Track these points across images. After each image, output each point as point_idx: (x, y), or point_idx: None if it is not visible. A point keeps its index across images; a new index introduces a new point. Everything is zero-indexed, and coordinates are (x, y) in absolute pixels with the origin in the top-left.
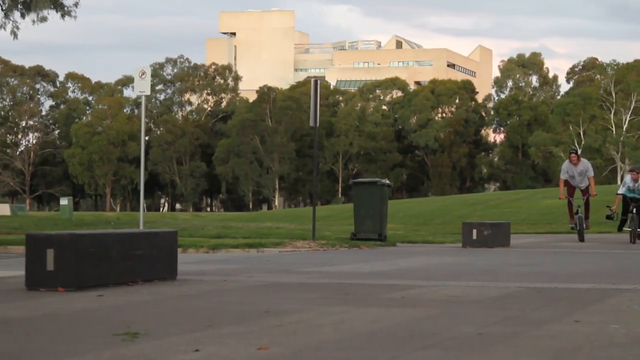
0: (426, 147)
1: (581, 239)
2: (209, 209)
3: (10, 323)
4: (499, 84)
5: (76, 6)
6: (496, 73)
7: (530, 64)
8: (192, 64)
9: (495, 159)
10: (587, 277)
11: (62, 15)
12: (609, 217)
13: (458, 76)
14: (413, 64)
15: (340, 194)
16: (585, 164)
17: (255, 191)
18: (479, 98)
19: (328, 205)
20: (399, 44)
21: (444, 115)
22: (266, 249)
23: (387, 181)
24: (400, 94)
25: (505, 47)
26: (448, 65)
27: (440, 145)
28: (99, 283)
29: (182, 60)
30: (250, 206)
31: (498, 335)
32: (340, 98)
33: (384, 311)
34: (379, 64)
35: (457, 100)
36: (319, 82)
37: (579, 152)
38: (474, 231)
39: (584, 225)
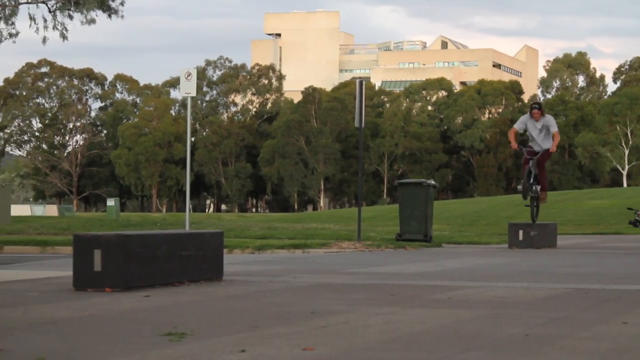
0: (472, 148)
1: (533, 219)
2: (254, 209)
3: (58, 323)
4: (545, 84)
5: (122, 4)
6: (542, 73)
7: (576, 63)
8: (237, 65)
9: None
10: (635, 278)
11: (109, 15)
12: (634, 224)
13: (503, 76)
14: (458, 64)
15: (385, 195)
16: (548, 118)
17: (301, 192)
18: (525, 98)
19: (373, 206)
20: (444, 44)
21: (489, 115)
22: (311, 249)
23: (433, 182)
24: (445, 94)
25: (552, 47)
26: (494, 66)
27: (486, 145)
28: (145, 283)
29: (227, 61)
30: (296, 207)
31: (545, 337)
32: (386, 99)
33: (430, 312)
34: (424, 64)
35: (503, 101)
36: (364, 82)
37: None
38: (520, 232)
39: (538, 199)
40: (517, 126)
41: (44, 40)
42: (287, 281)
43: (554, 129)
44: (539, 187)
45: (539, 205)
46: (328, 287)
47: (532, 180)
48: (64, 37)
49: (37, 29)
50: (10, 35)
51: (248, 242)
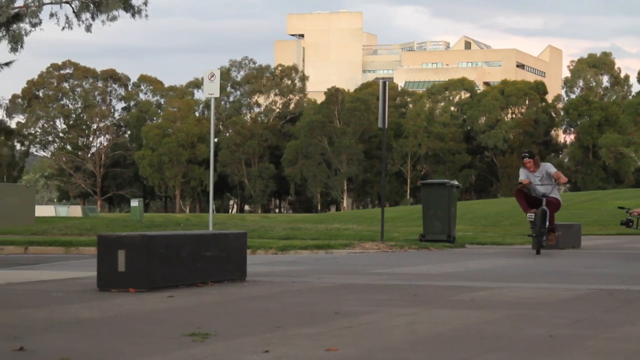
0: (495, 148)
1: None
2: (277, 210)
3: (83, 323)
4: (569, 84)
5: (145, 4)
6: (566, 73)
7: (600, 64)
8: (260, 65)
9: (566, 160)
10: None
11: (133, 15)
12: (625, 224)
13: (527, 76)
14: (482, 64)
15: (408, 195)
16: (546, 166)
17: (324, 192)
18: (549, 98)
19: (396, 207)
20: (467, 45)
21: (513, 115)
22: (335, 250)
23: (456, 182)
24: (468, 94)
25: (576, 47)
26: (517, 66)
27: (510, 146)
28: (169, 284)
29: (250, 62)
30: (319, 207)
31: (569, 338)
32: (409, 99)
33: (454, 313)
34: (447, 64)
35: (527, 101)
36: (387, 83)
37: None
38: None
39: (545, 239)
40: (522, 177)
41: (67, 26)
42: (311, 282)
43: (553, 170)
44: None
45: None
46: (351, 287)
47: (548, 219)
48: (88, 29)
49: (63, 28)
50: (35, 36)
51: (271, 242)
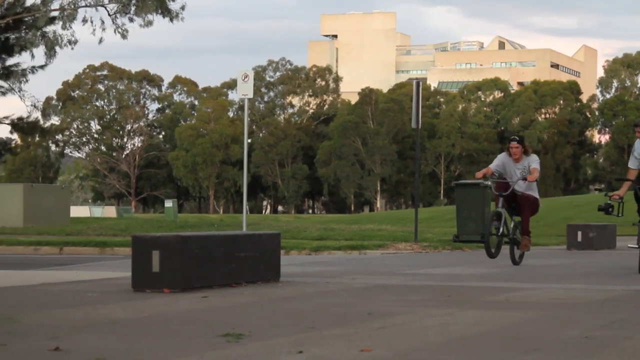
0: None
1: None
2: (310, 211)
3: (118, 323)
4: (604, 84)
5: (182, 9)
6: (601, 73)
7: (636, 63)
8: (294, 66)
9: (601, 160)
10: None
11: (171, 19)
12: (604, 210)
13: (562, 76)
14: (516, 64)
15: (442, 196)
16: (532, 158)
17: (357, 193)
18: (584, 98)
19: (430, 207)
20: (501, 45)
21: (547, 116)
22: (368, 251)
23: (490, 183)
24: (501, 94)
25: (611, 46)
26: (552, 66)
27: (544, 146)
28: (203, 284)
29: (284, 62)
30: (352, 208)
31: (605, 339)
32: (442, 99)
33: (488, 314)
34: (481, 64)
35: (561, 101)
36: (420, 83)
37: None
38: (579, 233)
39: (516, 249)
40: (494, 165)
41: (100, 40)
42: (344, 282)
43: (535, 166)
44: (514, 232)
45: (521, 255)
46: (385, 288)
47: (501, 224)
48: (123, 36)
49: (94, 30)
50: (70, 42)
51: (305, 243)
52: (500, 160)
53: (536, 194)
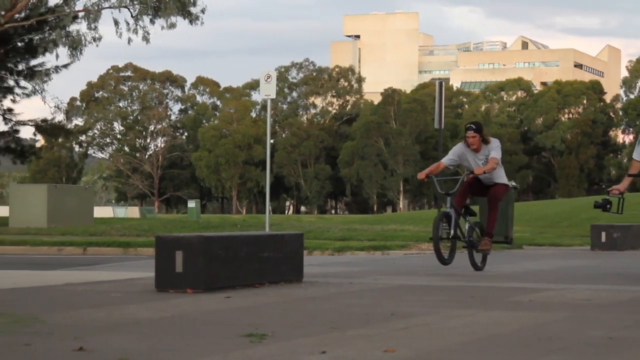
0: (553, 149)
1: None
2: (333, 211)
3: (141, 323)
4: (627, 84)
5: (203, 12)
6: (624, 73)
7: None
8: (316, 67)
9: (624, 160)
10: None
11: (190, 22)
12: (602, 207)
13: (585, 76)
14: (539, 64)
15: None
16: (493, 145)
17: (380, 193)
18: (607, 98)
19: None
20: (524, 45)
21: (570, 116)
22: (391, 251)
23: (514, 183)
24: (524, 94)
25: (634, 46)
26: (575, 66)
27: (567, 146)
28: (226, 285)
29: (307, 63)
30: (375, 208)
31: (629, 340)
32: (465, 99)
33: (511, 314)
34: (504, 64)
35: (584, 101)
36: (443, 83)
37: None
38: (603, 234)
39: (475, 252)
40: (447, 159)
41: (129, 41)
42: (367, 283)
43: (494, 155)
44: (471, 232)
45: (484, 258)
46: (408, 288)
47: (452, 226)
48: (146, 40)
49: (121, 33)
50: (94, 39)
51: (327, 243)
52: (456, 153)
53: (504, 180)
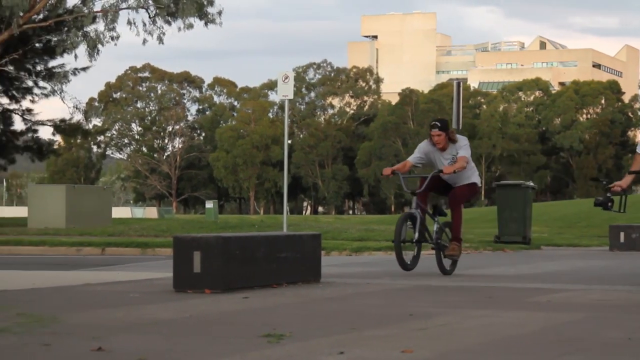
0: (571, 149)
1: (405, 267)
2: (351, 212)
3: (160, 324)
4: None
5: (220, 15)
6: None
7: None
8: (334, 67)
9: None
10: None
11: (206, 23)
12: (602, 205)
13: (603, 77)
14: (557, 64)
15: (483, 197)
16: (460, 144)
17: (398, 194)
18: (625, 98)
19: (471, 208)
20: (542, 45)
21: (588, 116)
22: (409, 252)
23: (531, 183)
24: (542, 94)
25: None
26: (593, 66)
27: (586, 146)
28: (244, 285)
29: (324, 64)
30: (392, 209)
31: None
32: (483, 100)
33: (530, 315)
34: (522, 65)
35: (602, 101)
36: (461, 84)
37: (452, 127)
38: (622, 234)
39: (443, 256)
40: (413, 158)
41: (144, 42)
42: (385, 283)
43: (463, 153)
44: (438, 234)
45: (453, 262)
46: (426, 289)
47: (416, 229)
48: (160, 40)
49: (138, 33)
50: (112, 38)
51: (345, 244)
52: (422, 151)
53: (473, 179)
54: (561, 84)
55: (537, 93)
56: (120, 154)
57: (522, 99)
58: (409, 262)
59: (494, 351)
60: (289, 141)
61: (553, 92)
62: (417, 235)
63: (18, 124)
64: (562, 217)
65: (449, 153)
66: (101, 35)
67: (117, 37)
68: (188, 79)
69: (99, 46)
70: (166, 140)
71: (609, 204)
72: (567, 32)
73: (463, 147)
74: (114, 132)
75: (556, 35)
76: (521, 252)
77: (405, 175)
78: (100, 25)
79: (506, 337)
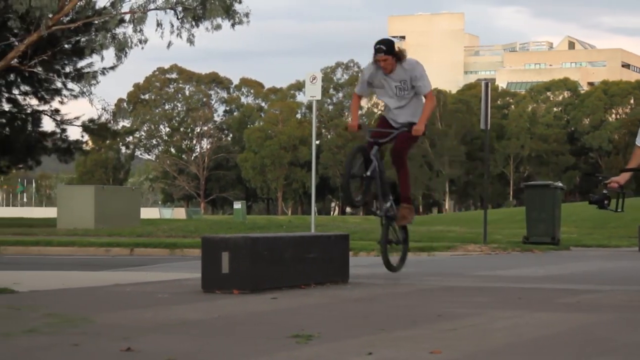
0: (600, 149)
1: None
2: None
3: (188, 324)
4: None
5: (247, 16)
6: None
7: None
8: (361, 67)
9: None
10: None
11: (233, 25)
12: (598, 203)
13: (632, 76)
14: (586, 64)
15: (511, 197)
16: (411, 66)
17: (426, 194)
18: None
19: (499, 209)
20: (571, 45)
21: (617, 116)
22: (437, 252)
23: (560, 184)
24: (570, 94)
25: None
26: (622, 66)
27: (615, 147)
28: (272, 286)
29: (352, 64)
30: (421, 210)
31: None
32: (511, 100)
33: (558, 316)
34: (550, 65)
35: (631, 101)
36: (489, 84)
37: (401, 47)
38: None
39: (394, 221)
40: (359, 88)
41: (169, 45)
42: (413, 284)
43: (425, 87)
44: (388, 204)
45: (404, 230)
46: (454, 290)
47: (368, 183)
48: (190, 42)
49: (162, 34)
50: (140, 41)
51: (373, 244)
52: (366, 77)
53: (429, 85)
54: (590, 84)
55: (565, 93)
56: (148, 154)
57: (551, 99)
58: (359, 198)
59: (522, 352)
60: (317, 142)
61: (582, 92)
62: (369, 172)
63: (47, 125)
64: (591, 218)
65: (397, 76)
66: (129, 39)
67: (145, 41)
68: (216, 80)
69: (127, 49)
70: (194, 141)
71: (605, 201)
72: (595, 32)
73: (420, 75)
74: (143, 133)
75: (585, 35)
76: (550, 252)
77: (372, 129)
78: (128, 28)
79: (535, 338)
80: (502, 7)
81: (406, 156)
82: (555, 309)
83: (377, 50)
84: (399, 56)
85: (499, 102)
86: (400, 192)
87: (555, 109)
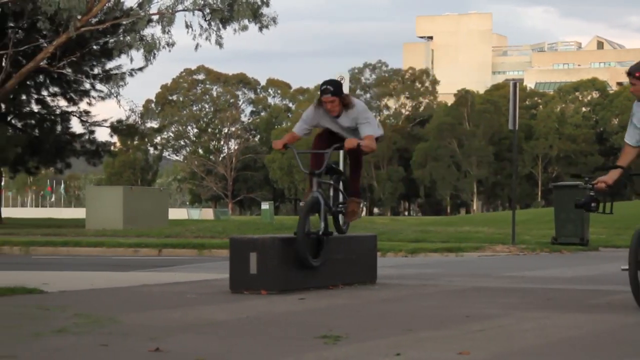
0: None
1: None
2: (406, 213)
3: (216, 325)
4: None
5: (274, 21)
6: None
7: None
8: (389, 68)
9: None
10: None
11: (260, 29)
12: (585, 206)
13: None
14: (615, 64)
15: (539, 198)
16: (357, 110)
17: (453, 195)
18: None
19: (527, 209)
20: (600, 45)
21: None
22: (465, 253)
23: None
24: (598, 95)
25: None
26: None
27: None
28: (300, 286)
29: (380, 64)
30: (448, 210)
31: None
32: (539, 100)
33: (587, 317)
34: (579, 65)
35: None
36: (517, 84)
37: (347, 87)
38: None
39: (341, 223)
40: (299, 129)
41: (197, 47)
42: (441, 285)
43: (366, 132)
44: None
45: (346, 224)
46: (482, 290)
47: (322, 217)
48: (219, 44)
49: (194, 36)
50: (168, 44)
51: (401, 245)
52: (309, 120)
53: (376, 130)
54: (619, 84)
55: (594, 93)
56: (176, 155)
57: (579, 99)
58: (314, 262)
59: (550, 353)
60: None
61: (610, 92)
62: (322, 226)
63: (76, 127)
64: (620, 219)
65: (346, 118)
66: (157, 41)
67: (173, 44)
68: (244, 81)
69: (155, 51)
70: (222, 142)
71: (593, 204)
72: (624, 31)
73: (365, 122)
74: (170, 134)
75: (613, 34)
76: (579, 253)
77: (301, 152)
78: (156, 29)
79: (563, 339)
80: (530, 7)
81: (361, 157)
82: (584, 310)
83: (323, 91)
84: (345, 101)
85: (527, 102)
86: (350, 186)
87: (583, 109)
